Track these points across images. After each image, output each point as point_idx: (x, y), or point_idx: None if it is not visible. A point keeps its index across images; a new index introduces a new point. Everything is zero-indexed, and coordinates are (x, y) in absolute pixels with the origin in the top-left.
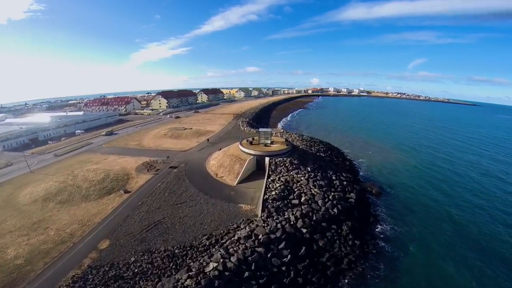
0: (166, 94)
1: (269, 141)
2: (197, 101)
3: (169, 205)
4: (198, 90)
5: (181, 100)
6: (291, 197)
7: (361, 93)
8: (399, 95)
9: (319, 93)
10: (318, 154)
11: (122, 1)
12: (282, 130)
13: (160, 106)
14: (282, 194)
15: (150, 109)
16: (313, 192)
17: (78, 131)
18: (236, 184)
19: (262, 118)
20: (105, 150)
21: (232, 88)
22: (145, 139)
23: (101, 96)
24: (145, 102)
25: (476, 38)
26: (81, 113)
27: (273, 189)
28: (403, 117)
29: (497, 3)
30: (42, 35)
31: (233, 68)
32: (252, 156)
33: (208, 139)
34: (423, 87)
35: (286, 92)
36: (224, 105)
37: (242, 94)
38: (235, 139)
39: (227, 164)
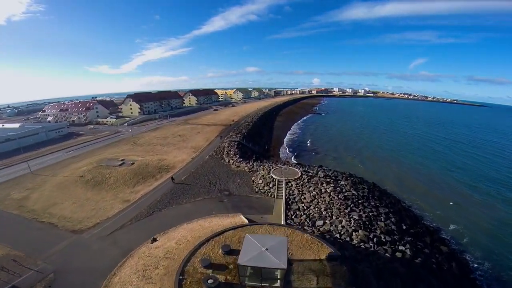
0: (139, 97)
1: None
2: (183, 105)
3: None
4: (186, 91)
5: (161, 104)
6: None
7: (367, 94)
8: (406, 95)
9: (323, 94)
10: (393, 252)
11: (121, 1)
12: (299, 173)
13: (131, 113)
14: None
15: (115, 117)
16: None
17: None
18: None
19: (261, 131)
20: None
21: (231, 89)
22: (44, 187)
23: (92, 98)
24: (121, 107)
25: (478, 38)
26: (17, 125)
27: None
28: (438, 126)
29: (499, 3)
30: (42, 35)
31: (234, 68)
32: None
33: (173, 178)
34: (424, 87)
35: (289, 92)
36: (215, 110)
37: (240, 95)
38: (205, 192)
39: None
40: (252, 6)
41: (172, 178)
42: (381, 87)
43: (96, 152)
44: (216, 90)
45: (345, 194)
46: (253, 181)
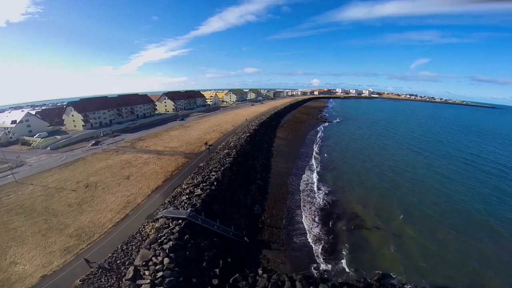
0: (84, 105)
1: None
2: (156, 112)
3: None
4: (161, 94)
5: (119, 113)
6: None
7: (371, 95)
8: (412, 96)
9: (327, 95)
10: None
11: (118, 2)
12: None
13: (75, 126)
14: None
15: (46, 134)
16: None
17: None
18: None
19: (251, 166)
20: None
21: (228, 89)
22: None
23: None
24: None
25: (481, 38)
26: None
27: None
28: (495, 142)
29: (503, 2)
30: (41, 37)
31: (233, 69)
32: None
33: None
34: (425, 87)
35: (290, 93)
36: (192, 120)
37: (234, 97)
38: None
39: None
40: (250, 6)
41: None
42: (382, 88)
43: None
44: (207, 92)
45: None
46: None
